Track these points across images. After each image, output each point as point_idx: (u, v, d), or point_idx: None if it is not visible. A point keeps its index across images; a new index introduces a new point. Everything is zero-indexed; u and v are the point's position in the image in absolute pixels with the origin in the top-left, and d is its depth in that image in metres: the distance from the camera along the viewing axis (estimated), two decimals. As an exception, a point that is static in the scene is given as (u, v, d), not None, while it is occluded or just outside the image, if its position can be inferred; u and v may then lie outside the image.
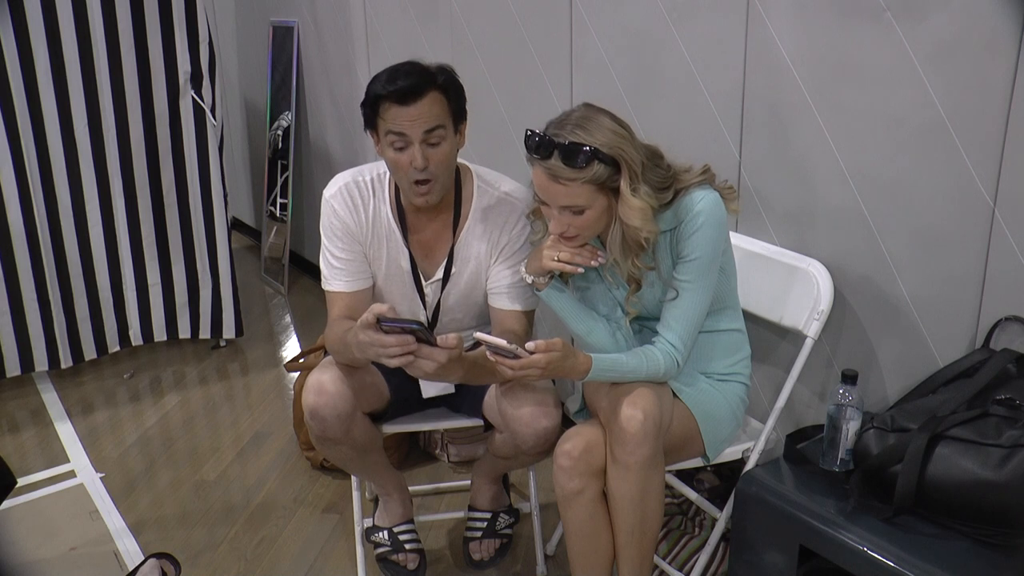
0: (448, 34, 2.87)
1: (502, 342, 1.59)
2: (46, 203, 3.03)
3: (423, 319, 1.97)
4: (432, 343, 1.63)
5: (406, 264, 1.93)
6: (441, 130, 1.77)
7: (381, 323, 1.61)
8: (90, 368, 3.35)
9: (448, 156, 1.81)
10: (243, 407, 3.14)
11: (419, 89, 1.74)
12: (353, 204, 1.90)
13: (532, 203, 1.77)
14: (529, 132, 1.62)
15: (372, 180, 1.93)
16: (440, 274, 1.94)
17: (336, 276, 1.93)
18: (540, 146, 1.60)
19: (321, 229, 1.93)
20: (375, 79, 1.79)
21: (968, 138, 1.66)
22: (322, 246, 1.94)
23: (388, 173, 1.91)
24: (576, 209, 1.63)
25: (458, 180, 1.92)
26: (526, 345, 1.59)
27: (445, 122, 1.78)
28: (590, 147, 1.57)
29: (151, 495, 2.58)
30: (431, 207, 1.88)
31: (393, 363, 1.64)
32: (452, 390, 2.00)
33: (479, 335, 1.61)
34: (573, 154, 1.57)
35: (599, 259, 1.72)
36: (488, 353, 1.63)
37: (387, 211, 1.91)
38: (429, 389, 2.01)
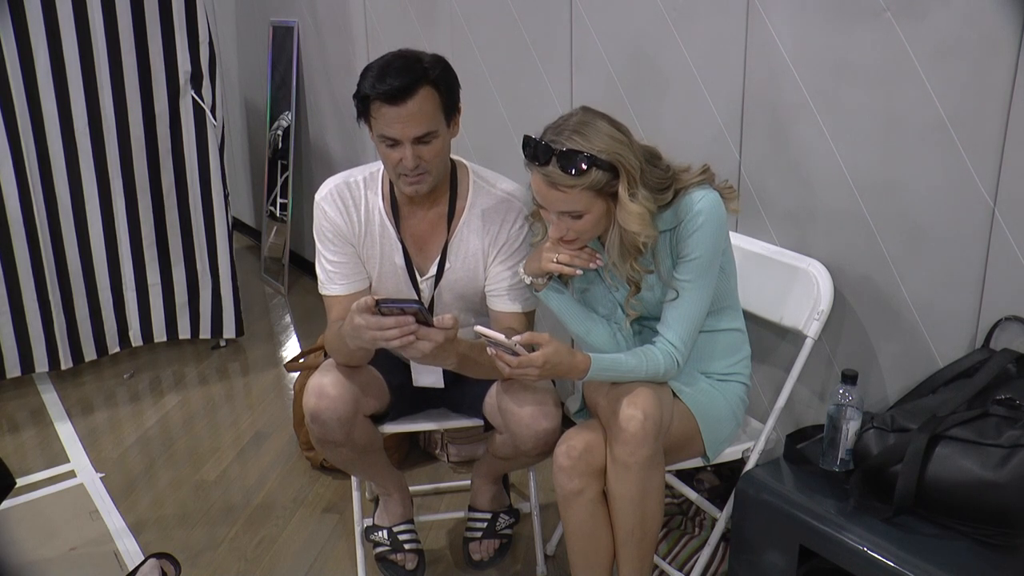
0: (448, 34, 2.87)
1: (501, 337, 1.59)
2: (46, 203, 3.03)
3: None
4: (430, 323, 1.63)
5: (400, 260, 1.92)
6: (432, 133, 1.75)
7: (379, 305, 1.61)
8: (90, 368, 3.34)
9: (440, 151, 1.80)
10: (243, 407, 3.14)
11: (410, 88, 1.71)
12: (344, 205, 1.90)
13: (531, 205, 1.77)
14: (527, 138, 1.62)
15: (364, 179, 1.92)
16: (434, 270, 1.93)
17: (332, 279, 1.93)
18: (538, 153, 1.59)
19: (314, 234, 1.93)
20: (367, 71, 1.76)
21: (968, 138, 1.66)
22: (317, 251, 1.94)
23: (381, 170, 1.91)
24: (575, 214, 1.62)
25: (454, 176, 1.92)
26: (512, 338, 1.60)
27: (436, 124, 1.76)
28: (588, 154, 1.56)
29: (151, 495, 2.58)
30: (424, 198, 1.87)
31: (393, 345, 1.63)
32: (441, 384, 1.99)
33: (479, 329, 1.62)
34: (571, 161, 1.56)
35: (598, 261, 1.72)
36: (488, 348, 1.63)
37: (380, 205, 1.90)
38: (420, 379, 1.99)
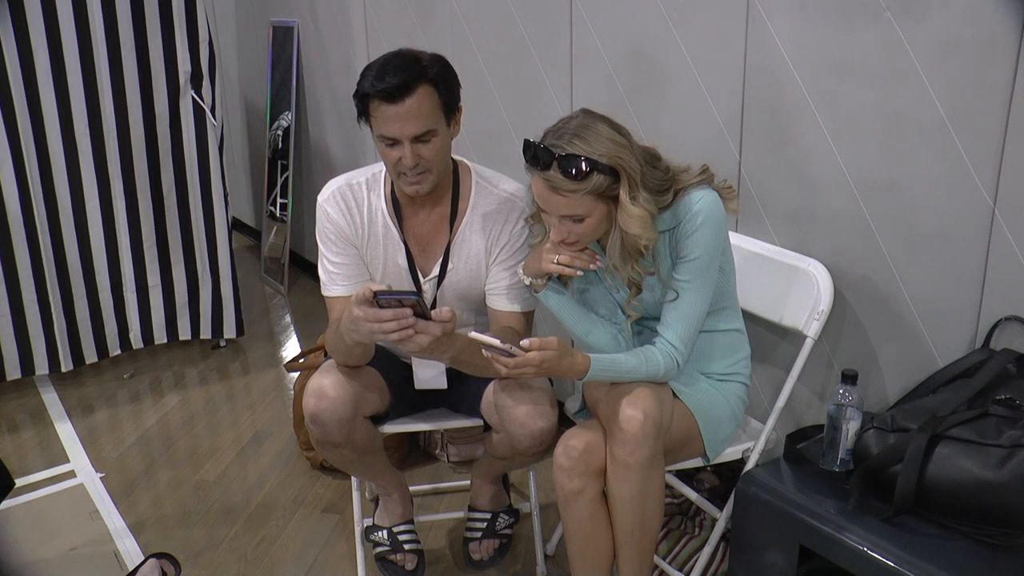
0: (448, 34, 2.87)
1: (495, 341, 1.59)
2: (46, 204, 3.03)
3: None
4: (427, 316, 1.62)
5: (403, 261, 1.93)
6: (431, 132, 1.75)
7: (377, 297, 1.60)
8: (90, 369, 3.34)
9: (440, 149, 1.79)
10: (243, 407, 3.14)
11: (408, 86, 1.71)
12: (347, 206, 1.90)
13: (532, 207, 1.77)
14: (527, 142, 1.62)
15: (367, 180, 1.92)
16: (437, 271, 1.93)
17: (334, 280, 1.92)
18: (538, 157, 1.59)
19: (317, 235, 1.93)
20: (366, 71, 1.76)
21: (968, 138, 1.66)
22: (319, 253, 1.94)
23: (384, 171, 1.91)
24: (576, 218, 1.62)
25: (456, 176, 1.92)
26: (521, 343, 1.59)
27: (435, 123, 1.75)
28: (588, 158, 1.56)
29: (151, 495, 2.58)
30: (426, 199, 1.87)
31: (391, 338, 1.62)
32: (444, 384, 1.99)
33: (474, 335, 1.61)
34: (571, 166, 1.56)
35: (598, 262, 1.72)
36: (484, 351, 1.63)
37: (383, 207, 1.91)
38: (422, 381, 1.99)
